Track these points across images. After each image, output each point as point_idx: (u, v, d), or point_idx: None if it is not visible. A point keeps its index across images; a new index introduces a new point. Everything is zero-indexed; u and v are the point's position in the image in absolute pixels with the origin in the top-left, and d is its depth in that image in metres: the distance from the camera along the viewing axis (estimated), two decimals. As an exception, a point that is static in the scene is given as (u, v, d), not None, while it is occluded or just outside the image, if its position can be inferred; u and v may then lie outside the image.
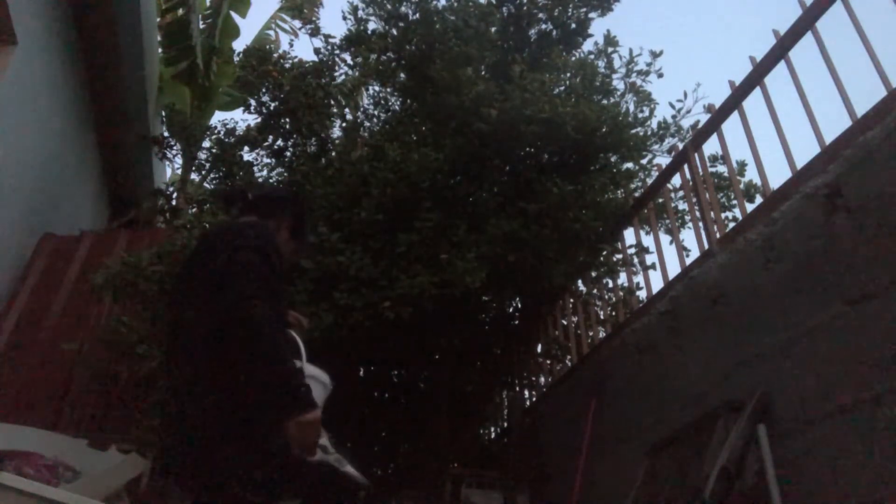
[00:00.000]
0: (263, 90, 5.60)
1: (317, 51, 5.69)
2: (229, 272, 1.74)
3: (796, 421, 2.42)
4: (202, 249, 2.01)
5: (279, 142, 5.71)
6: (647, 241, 4.27)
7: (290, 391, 1.66)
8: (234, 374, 1.70)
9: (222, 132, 6.05)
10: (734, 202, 4.54)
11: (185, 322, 1.89)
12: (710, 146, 3.81)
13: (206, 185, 6.96)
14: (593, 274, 4.74)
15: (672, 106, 4.44)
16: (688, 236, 4.72)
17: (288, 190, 2.56)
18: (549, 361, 5.43)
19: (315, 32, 5.73)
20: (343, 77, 5.88)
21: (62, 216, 6.38)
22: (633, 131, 4.39)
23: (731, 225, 3.82)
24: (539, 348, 5.60)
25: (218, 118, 13.39)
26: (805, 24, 2.90)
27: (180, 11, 7.66)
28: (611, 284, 4.67)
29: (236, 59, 7.63)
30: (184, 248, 4.18)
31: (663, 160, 4.48)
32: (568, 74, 4.61)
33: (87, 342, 5.15)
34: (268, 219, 2.10)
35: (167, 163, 8.80)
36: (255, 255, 1.78)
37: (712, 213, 3.53)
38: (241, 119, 16.93)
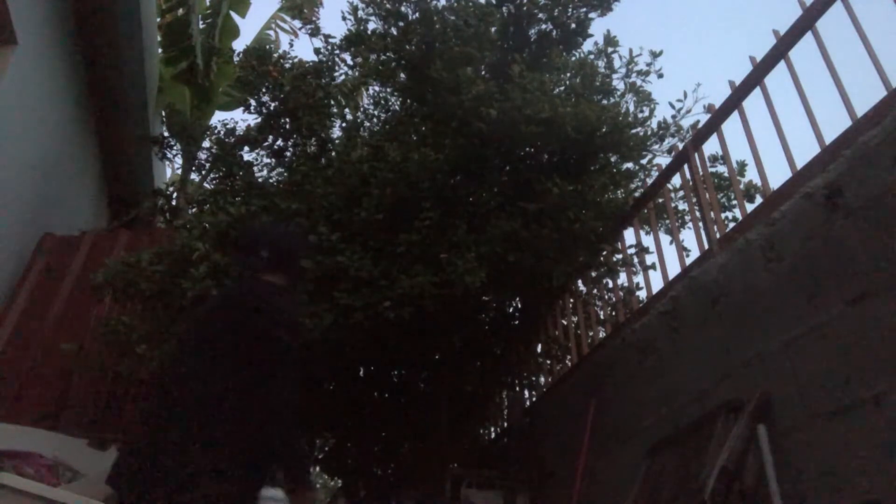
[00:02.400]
0: (263, 90, 5.59)
1: (317, 51, 5.69)
2: (270, 350, 1.98)
3: (796, 421, 2.42)
4: (235, 311, 2.15)
5: (279, 142, 5.70)
6: (647, 241, 4.28)
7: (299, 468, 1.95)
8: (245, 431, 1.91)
9: (222, 132, 6.05)
10: (734, 202, 4.54)
11: (194, 367, 2.07)
12: (710, 146, 3.82)
13: (206, 185, 6.96)
14: (593, 274, 4.73)
15: (672, 106, 4.44)
16: (688, 236, 4.73)
17: (295, 237, 2.70)
18: (549, 361, 5.43)
19: (315, 32, 5.72)
20: (343, 77, 5.88)
21: (62, 216, 6.38)
22: (633, 131, 4.39)
23: (731, 225, 3.82)
24: (539, 348, 5.60)
25: (218, 118, 13.40)
26: (805, 24, 2.90)
27: (180, 11, 7.66)
28: (611, 284, 4.67)
29: (236, 59, 7.63)
30: (184, 248, 4.18)
31: (663, 160, 4.49)
32: (568, 74, 4.61)
33: (87, 342, 5.15)
34: (280, 272, 2.27)
35: (167, 163, 8.81)
36: (294, 337, 2.03)
37: (712, 213, 3.53)
38: (241, 119, 16.96)
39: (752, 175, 4.55)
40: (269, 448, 1.89)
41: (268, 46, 6.59)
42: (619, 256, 4.53)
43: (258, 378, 1.93)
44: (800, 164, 2.75)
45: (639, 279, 4.38)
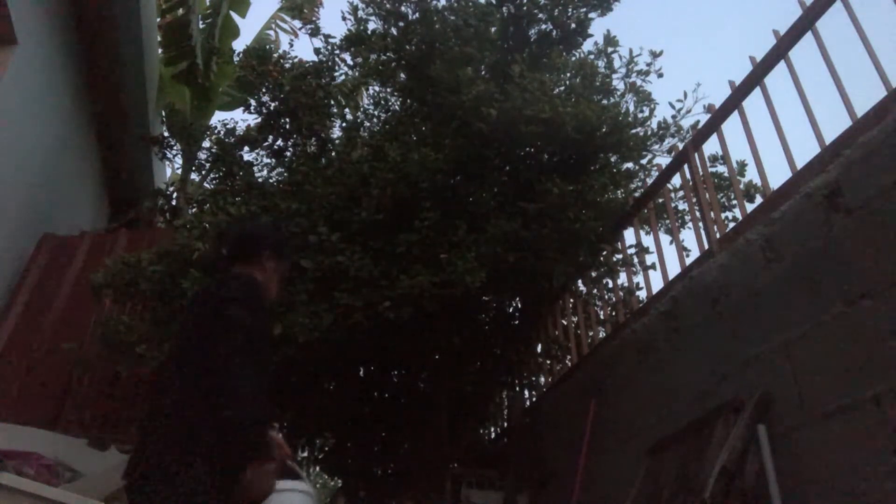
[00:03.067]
0: (263, 90, 5.59)
1: (317, 51, 5.69)
2: (218, 326, 1.94)
3: (796, 421, 2.42)
4: (201, 303, 2.18)
5: (279, 142, 5.70)
6: (647, 241, 4.28)
7: (253, 440, 1.82)
8: (204, 417, 1.86)
9: (222, 132, 6.04)
10: (734, 202, 4.54)
11: (175, 365, 2.09)
12: (710, 146, 3.82)
13: (206, 185, 6.96)
14: (593, 274, 4.73)
15: (672, 106, 4.44)
16: (688, 236, 4.72)
17: (258, 225, 2.70)
18: (549, 361, 5.43)
19: (315, 32, 5.72)
20: (343, 77, 5.88)
21: (62, 216, 6.38)
22: (633, 131, 4.39)
23: (731, 225, 3.82)
24: (539, 348, 5.60)
25: (218, 118, 13.38)
26: (805, 24, 2.90)
27: (180, 11, 7.65)
28: (611, 284, 4.67)
29: (236, 59, 7.62)
30: (184, 248, 4.18)
31: (663, 160, 4.49)
32: (568, 74, 4.61)
33: (87, 342, 5.15)
34: (249, 263, 2.26)
35: (167, 163, 8.81)
36: (242, 308, 1.97)
37: (712, 213, 3.53)
38: (241, 119, 16.94)
39: (752, 175, 4.55)
40: (221, 423, 1.83)
41: (268, 46, 6.59)
42: (619, 256, 4.53)
43: (211, 359, 1.91)
44: (800, 164, 2.76)
45: (639, 279, 4.39)
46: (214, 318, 1.98)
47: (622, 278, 4.52)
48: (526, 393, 5.86)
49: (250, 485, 1.79)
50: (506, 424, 5.92)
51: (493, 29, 4.91)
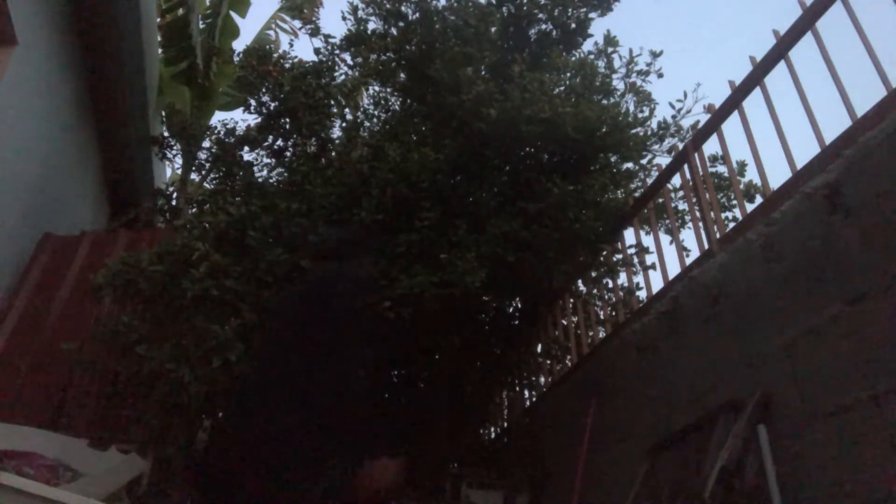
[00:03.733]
0: (263, 90, 5.59)
1: (317, 51, 5.69)
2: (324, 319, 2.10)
3: (796, 421, 2.42)
4: (315, 292, 2.38)
5: (279, 142, 5.70)
6: (647, 241, 4.29)
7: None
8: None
9: (222, 132, 6.05)
10: (734, 202, 4.55)
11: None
12: (710, 146, 3.82)
13: (206, 185, 6.96)
14: (593, 274, 4.73)
15: (672, 106, 4.44)
16: (688, 236, 4.72)
17: (352, 229, 3.04)
18: (549, 361, 5.43)
19: (315, 32, 5.72)
20: (343, 77, 5.88)
21: (62, 216, 6.38)
22: (633, 131, 4.39)
23: (731, 225, 3.82)
24: (539, 348, 5.59)
25: (218, 118, 13.36)
26: (805, 24, 2.91)
27: (180, 11, 7.66)
28: (611, 284, 4.68)
29: (236, 59, 7.63)
30: (184, 248, 4.18)
31: (663, 160, 4.49)
32: (568, 74, 4.61)
33: (87, 342, 5.14)
34: (343, 262, 2.46)
35: (167, 163, 8.81)
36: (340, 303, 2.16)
37: (712, 213, 3.53)
38: (241, 119, 16.92)
39: (752, 175, 4.56)
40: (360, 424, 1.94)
41: (268, 46, 6.59)
42: (619, 256, 4.53)
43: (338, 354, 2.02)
44: (800, 164, 2.76)
45: (639, 279, 4.39)
46: (323, 311, 2.13)
47: (622, 278, 4.53)
48: (526, 393, 5.86)
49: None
50: (506, 424, 5.92)
51: (493, 29, 4.91)
